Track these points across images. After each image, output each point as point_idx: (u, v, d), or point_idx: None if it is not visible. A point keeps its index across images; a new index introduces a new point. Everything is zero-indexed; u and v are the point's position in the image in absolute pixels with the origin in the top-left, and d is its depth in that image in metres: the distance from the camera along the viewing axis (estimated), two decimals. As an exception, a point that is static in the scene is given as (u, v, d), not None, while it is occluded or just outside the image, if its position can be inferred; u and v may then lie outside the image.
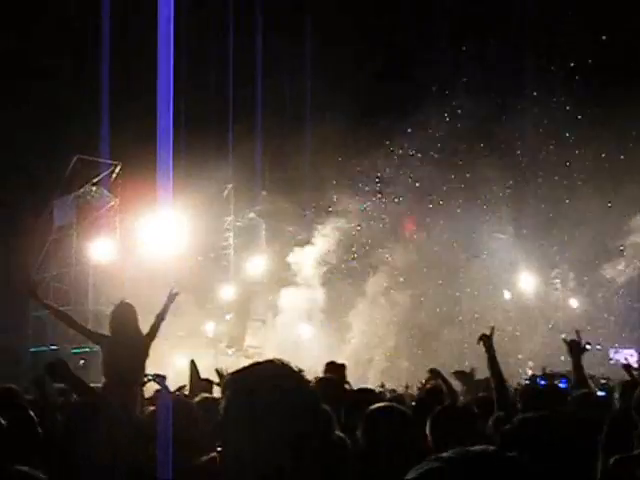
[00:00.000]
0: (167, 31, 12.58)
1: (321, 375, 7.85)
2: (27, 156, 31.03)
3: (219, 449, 2.47)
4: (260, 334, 32.69)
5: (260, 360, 2.59)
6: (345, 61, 32.10)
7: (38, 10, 31.41)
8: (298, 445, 2.36)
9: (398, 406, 5.03)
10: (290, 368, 2.49)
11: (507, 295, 35.57)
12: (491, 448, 1.58)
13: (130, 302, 8.61)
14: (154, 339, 8.46)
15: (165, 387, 8.11)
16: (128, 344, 7.98)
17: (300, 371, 2.51)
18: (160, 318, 8.66)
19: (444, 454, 1.56)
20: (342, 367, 9.07)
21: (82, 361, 30.08)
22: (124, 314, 8.26)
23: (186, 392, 8.54)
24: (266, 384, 2.41)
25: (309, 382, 2.54)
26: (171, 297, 8.95)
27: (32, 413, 5.34)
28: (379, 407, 4.88)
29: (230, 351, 31.09)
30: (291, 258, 34.07)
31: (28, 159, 30.80)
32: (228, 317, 33.16)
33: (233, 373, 2.55)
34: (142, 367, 8.08)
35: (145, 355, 8.22)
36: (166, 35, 12.59)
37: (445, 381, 8.84)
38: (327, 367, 8.81)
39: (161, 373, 8.78)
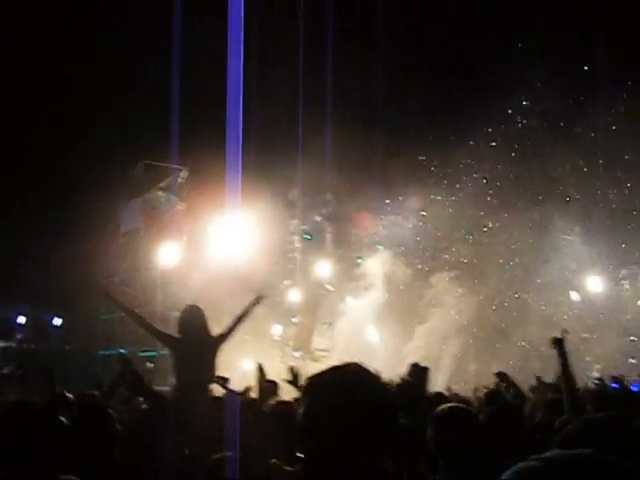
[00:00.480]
0: (237, 35, 12.52)
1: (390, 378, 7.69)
2: (96, 161, 31.39)
3: (300, 453, 2.42)
4: (327, 337, 32.59)
5: (336, 364, 2.56)
6: (414, 60, 31.90)
7: (106, 19, 31.80)
8: (378, 447, 2.36)
9: (467, 408, 4.98)
10: (369, 371, 2.47)
11: (575, 296, 35.02)
12: (587, 451, 1.56)
13: (198, 305, 8.54)
14: (226, 340, 8.36)
15: (229, 389, 8.06)
16: (197, 346, 7.92)
17: (378, 374, 2.49)
18: (239, 320, 8.58)
19: (542, 455, 1.57)
20: (426, 370, 8.98)
21: (150, 364, 30.33)
22: (193, 317, 8.20)
23: (252, 394, 8.45)
24: (347, 387, 2.39)
25: (387, 385, 2.50)
26: (256, 300, 8.87)
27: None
28: (448, 408, 4.87)
29: (297, 354, 31.04)
30: (358, 261, 33.97)
31: (97, 164, 31.15)
32: (295, 320, 33.13)
33: (313, 377, 2.53)
34: (212, 368, 8.02)
35: (214, 357, 8.15)
36: (236, 39, 12.53)
37: (512, 384, 8.75)
38: (411, 369, 8.73)
39: (225, 376, 8.75)
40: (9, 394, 20.56)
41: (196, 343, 7.92)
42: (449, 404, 5.16)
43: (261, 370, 8.58)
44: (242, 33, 12.61)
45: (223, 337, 8.33)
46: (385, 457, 2.42)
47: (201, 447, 5.30)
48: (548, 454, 1.57)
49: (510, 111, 33.48)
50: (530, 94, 33.21)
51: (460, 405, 5.17)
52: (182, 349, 7.98)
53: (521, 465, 1.56)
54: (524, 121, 33.46)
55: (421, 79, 31.77)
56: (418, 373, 8.69)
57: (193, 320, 8.14)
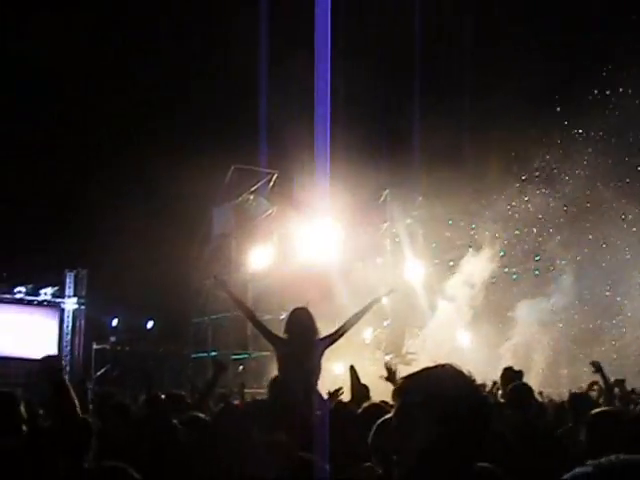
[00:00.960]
0: (324, 37, 12.49)
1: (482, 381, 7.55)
2: (187, 166, 31.74)
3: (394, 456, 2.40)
4: (418, 340, 32.38)
5: (431, 365, 2.52)
6: (505, 59, 31.49)
7: (195, 25, 32.21)
8: (474, 449, 2.33)
9: (620, 410, 4.97)
10: (463, 372, 2.43)
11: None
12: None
13: (307, 308, 8.45)
14: (334, 341, 8.27)
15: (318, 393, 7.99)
16: (304, 347, 7.83)
17: (471, 375, 2.44)
18: (356, 318, 8.50)
19: (599, 460, 1.53)
20: (520, 373, 8.93)
21: (241, 367, 30.54)
22: (301, 318, 8.11)
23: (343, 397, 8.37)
24: (441, 387, 2.34)
25: (481, 387, 2.43)
26: (377, 300, 8.80)
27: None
28: (602, 411, 4.94)
29: (388, 357, 30.89)
30: (450, 263, 33.72)
31: (189, 170, 31.50)
32: (386, 323, 33.01)
33: (406, 377, 2.50)
34: (317, 370, 7.95)
35: (320, 358, 8.07)
36: (323, 40, 12.49)
37: (606, 379, 8.60)
38: (505, 373, 8.69)
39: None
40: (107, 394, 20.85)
41: (303, 344, 7.84)
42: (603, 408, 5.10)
43: (354, 372, 8.49)
44: (329, 37, 12.54)
45: (332, 337, 8.24)
46: (478, 460, 2.37)
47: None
48: (605, 459, 1.53)
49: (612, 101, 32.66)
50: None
51: (612, 408, 5.16)
52: (288, 349, 7.92)
53: (578, 470, 1.54)
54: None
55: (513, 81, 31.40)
56: (511, 376, 8.61)
57: (301, 321, 8.06)
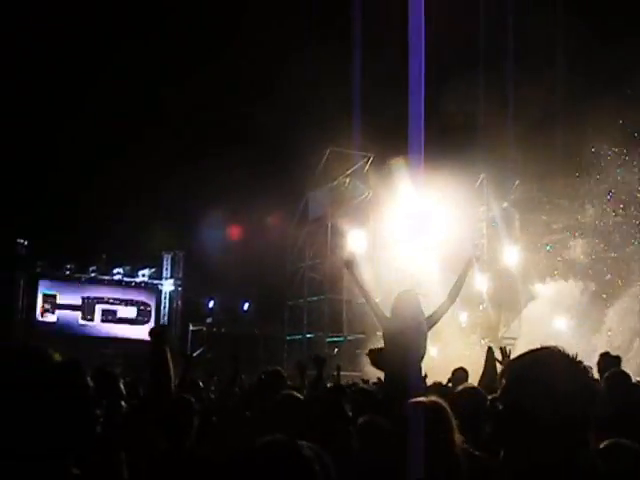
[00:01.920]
0: (419, 19, 12.40)
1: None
2: (283, 149, 31.93)
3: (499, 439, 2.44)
4: (514, 325, 32.05)
5: (535, 347, 2.51)
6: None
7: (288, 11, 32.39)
8: (583, 432, 2.30)
9: None
10: (569, 355, 2.41)
11: None
12: None
13: (414, 292, 8.43)
14: (440, 317, 8.25)
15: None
16: (411, 328, 7.83)
17: (577, 357, 2.41)
18: (458, 287, 8.46)
19: None
20: (618, 359, 8.78)
21: (336, 350, 30.68)
22: (408, 301, 8.11)
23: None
24: (549, 369, 2.33)
25: (587, 371, 2.39)
26: (470, 263, 8.72)
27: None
28: None
29: (484, 342, 30.67)
30: (547, 248, 33.29)
31: (284, 152, 31.68)
32: (482, 307, 32.76)
33: (513, 360, 2.51)
34: (423, 350, 7.94)
35: (425, 338, 8.05)
36: (418, 23, 12.40)
37: None
38: (601, 359, 8.55)
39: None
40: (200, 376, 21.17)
41: (410, 326, 7.84)
42: None
43: (490, 354, 8.48)
44: (423, 15, 12.48)
45: (435, 315, 8.23)
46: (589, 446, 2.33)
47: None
48: None
49: None
50: None
51: None
52: (394, 330, 7.93)
53: None
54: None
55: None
56: (609, 363, 8.46)
57: (408, 304, 8.06)
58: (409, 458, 3.37)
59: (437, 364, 9.48)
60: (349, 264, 8.97)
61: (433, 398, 3.76)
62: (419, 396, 4.96)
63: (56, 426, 2.37)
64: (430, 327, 8.01)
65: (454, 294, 8.29)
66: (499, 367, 7.95)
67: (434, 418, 3.48)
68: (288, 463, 2.20)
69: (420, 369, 7.80)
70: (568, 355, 2.39)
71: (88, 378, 2.56)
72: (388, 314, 7.99)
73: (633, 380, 7.95)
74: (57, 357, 2.48)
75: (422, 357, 7.81)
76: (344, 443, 4.68)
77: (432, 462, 3.38)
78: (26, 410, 2.33)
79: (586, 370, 2.41)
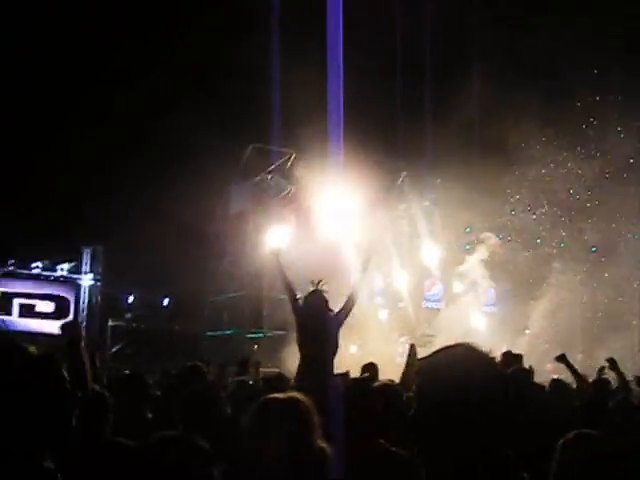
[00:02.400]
0: (337, 17, 12.49)
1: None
2: (205, 144, 31.75)
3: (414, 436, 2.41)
4: (434, 323, 32.41)
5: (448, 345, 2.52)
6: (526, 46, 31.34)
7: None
8: (496, 428, 2.31)
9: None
10: (480, 350, 2.43)
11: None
12: None
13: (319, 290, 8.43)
14: (350, 310, 8.25)
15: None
16: (321, 324, 7.86)
17: (489, 353, 2.44)
18: (362, 277, 8.47)
19: None
20: (519, 357, 8.97)
21: (256, 346, 30.66)
22: (314, 301, 8.11)
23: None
24: (459, 365, 2.34)
25: (499, 366, 2.42)
26: (369, 256, 8.70)
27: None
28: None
29: (403, 339, 30.94)
30: (466, 247, 33.73)
31: (206, 147, 31.51)
32: (401, 305, 33.04)
33: (425, 358, 2.51)
34: (334, 347, 7.95)
35: (336, 334, 8.06)
36: (336, 22, 12.49)
37: (621, 376, 8.68)
38: (504, 357, 8.74)
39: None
40: (123, 371, 21.01)
41: (317, 325, 7.86)
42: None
43: (413, 350, 8.51)
44: (341, 15, 12.55)
45: (345, 309, 8.24)
46: (504, 440, 2.34)
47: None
48: None
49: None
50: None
51: None
52: (307, 328, 7.94)
53: None
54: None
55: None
56: (511, 360, 8.68)
57: (314, 303, 8.08)
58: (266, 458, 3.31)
59: (357, 361, 9.48)
60: (276, 252, 9.02)
61: (292, 394, 3.69)
62: (334, 393, 4.97)
63: (34, 420, 2.34)
64: (342, 321, 8.04)
65: (359, 284, 8.34)
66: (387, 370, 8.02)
67: (288, 415, 3.43)
68: (182, 457, 2.18)
69: (332, 365, 7.84)
70: (481, 350, 2.40)
71: (64, 371, 2.53)
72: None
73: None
74: (33, 351, 2.45)
75: (334, 353, 7.84)
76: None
77: (285, 462, 3.32)
78: (3, 405, 2.29)
79: (497, 364, 2.43)
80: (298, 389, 6.94)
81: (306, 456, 3.38)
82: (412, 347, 8.53)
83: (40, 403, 2.37)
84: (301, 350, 7.97)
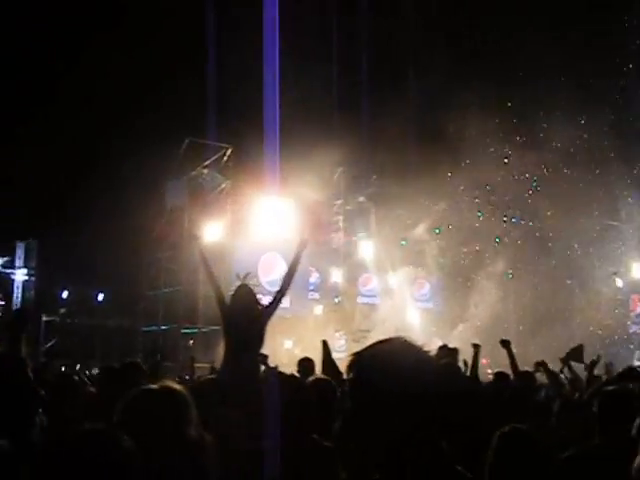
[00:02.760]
0: (273, 13, 12.52)
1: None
2: (140, 138, 31.52)
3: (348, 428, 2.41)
4: (369, 318, 32.55)
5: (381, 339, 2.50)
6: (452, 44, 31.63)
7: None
8: (428, 419, 2.33)
9: None
10: (414, 344, 2.43)
11: (619, 283, 34.77)
12: None
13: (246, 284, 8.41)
14: (279, 303, 8.25)
15: (269, 367, 8.06)
16: (248, 319, 7.84)
17: (423, 347, 2.45)
18: (291, 272, 8.45)
19: None
20: (455, 351, 9.08)
21: (191, 341, 30.55)
22: (243, 295, 8.09)
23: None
24: (392, 359, 2.35)
25: (433, 359, 2.45)
26: (302, 244, 8.67)
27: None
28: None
29: (338, 334, 31.06)
30: (402, 242, 33.92)
31: (144, 142, 31.29)
32: (337, 300, 33.13)
33: (358, 352, 2.47)
34: (261, 341, 7.96)
35: (264, 329, 8.06)
36: (272, 17, 12.52)
37: (548, 371, 8.84)
38: (439, 350, 8.82)
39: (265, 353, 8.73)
40: (57, 366, 20.85)
41: (247, 316, 7.85)
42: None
43: (326, 347, 8.53)
44: (277, 10, 12.59)
45: (273, 304, 8.24)
46: (436, 432, 2.37)
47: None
48: None
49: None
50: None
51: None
52: (234, 320, 7.92)
53: None
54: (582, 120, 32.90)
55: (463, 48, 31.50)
56: (445, 354, 8.79)
57: (242, 298, 8.06)
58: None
59: (293, 356, 9.52)
60: (199, 241, 8.96)
61: (167, 383, 3.64)
62: (268, 388, 4.99)
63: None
64: (270, 314, 8.05)
65: (289, 276, 8.32)
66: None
67: (159, 405, 3.41)
68: (104, 451, 2.20)
69: (257, 359, 7.87)
70: (415, 344, 2.42)
71: (29, 370, 2.53)
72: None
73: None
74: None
75: (260, 347, 7.85)
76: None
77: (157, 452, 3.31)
78: None
79: (431, 358, 2.47)
80: (220, 383, 6.99)
81: (179, 446, 3.41)
82: (324, 343, 8.56)
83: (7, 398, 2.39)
84: (227, 344, 7.96)
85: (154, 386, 3.55)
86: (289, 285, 8.31)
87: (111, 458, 2.28)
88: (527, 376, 8.37)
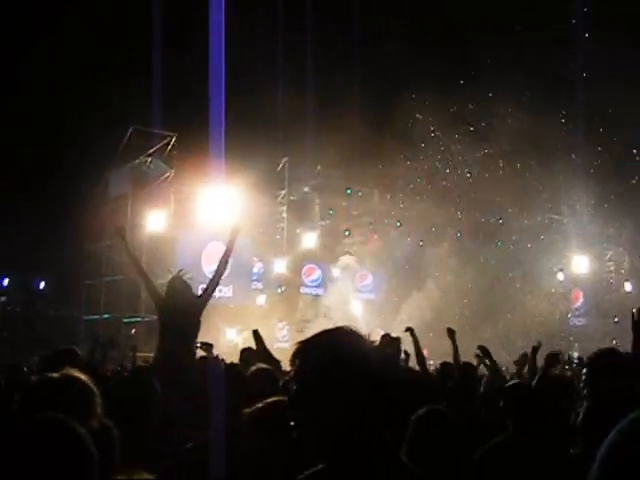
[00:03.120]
0: (219, 3, 12.51)
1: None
2: (83, 126, 31.24)
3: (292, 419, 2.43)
4: (313, 308, 32.63)
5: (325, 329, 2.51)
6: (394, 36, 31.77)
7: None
8: (371, 408, 2.35)
9: None
10: (358, 334, 2.45)
11: (560, 277, 35.24)
12: None
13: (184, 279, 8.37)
14: (211, 293, 8.24)
15: (212, 355, 8.07)
16: (184, 307, 7.83)
17: (367, 336, 2.49)
18: (224, 259, 8.43)
19: None
20: (397, 340, 9.14)
21: (133, 330, 30.39)
22: (177, 285, 8.07)
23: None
24: (335, 348, 2.37)
25: (376, 348, 2.48)
26: (235, 232, 8.64)
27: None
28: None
29: (281, 324, 31.12)
30: (346, 233, 34.05)
31: (87, 129, 31.02)
32: (280, 290, 33.16)
33: (302, 341, 2.48)
34: (197, 327, 7.95)
35: (199, 315, 8.04)
36: (218, 6, 12.50)
37: (491, 360, 8.95)
38: (382, 339, 8.88)
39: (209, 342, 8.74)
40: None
41: (182, 306, 7.83)
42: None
43: (258, 337, 8.54)
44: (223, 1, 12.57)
45: (208, 291, 8.22)
46: (380, 422, 2.39)
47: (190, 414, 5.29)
48: None
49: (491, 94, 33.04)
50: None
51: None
52: (169, 309, 7.90)
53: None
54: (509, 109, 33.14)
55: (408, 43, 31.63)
56: (388, 343, 8.87)
57: (177, 287, 8.03)
58: None
59: (235, 345, 9.53)
60: (121, 231, 8.92)
61: (69, 372, 3.48)
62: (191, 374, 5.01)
63: None
64: (205, 302, 8.05)
65: (222, 264, 8.32)
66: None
67: (58, 393, 3.36)
68: (56, 439, 2.20)
69: (193, 348, 7.88)
70: (358, 333, 2.45)
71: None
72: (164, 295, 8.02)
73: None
74: None
75: (195, 335, 7.86)
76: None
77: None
78: None
79: (373, 346, 2.50)
80: (153, 371, 6.97)
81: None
82: (255, 332, 8.57)
83: None
84: (161, 332, 7.95)
85: (55, 375, 3.43)
86: (222, 272, 8.32)
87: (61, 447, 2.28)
88: (469, 367, 8.47)
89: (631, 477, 1.25)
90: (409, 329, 9.41)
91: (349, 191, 34.31)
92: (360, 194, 34.83)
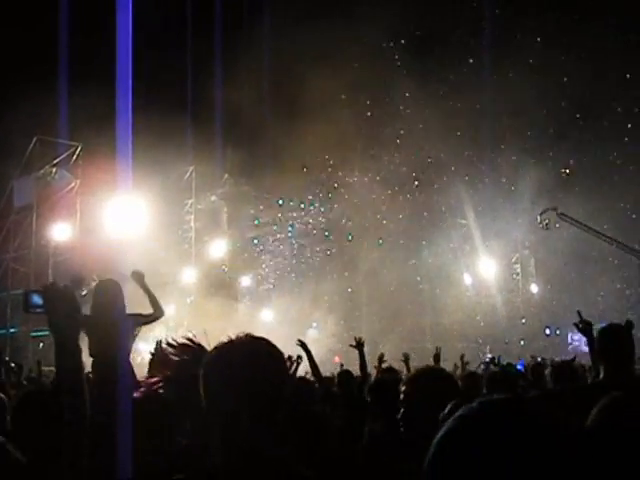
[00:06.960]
0: (126, 13, 12.49)
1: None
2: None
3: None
4: (222, 317, 32.56)
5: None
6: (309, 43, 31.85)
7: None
8: (275, 414, 2.39)
9: None
10: (263, 343, 2.50)
11: (468, 280, 35.73)
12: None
13: (115, 279, 8.22)
14: (154, 321, 8.23)
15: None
16: (111, 322, 7.65)
17: (272, 344, 2.52)
18: (154, 301, 8.39)
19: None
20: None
21: (41, 344, 29.92)
22: (107, 291, 7.87)
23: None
24: (241, 356, 2.41)
25: (280, 355, 2.53)
26: (137, 276, 8.57)
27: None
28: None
29: (191, 334, 30.93)
30: (254, 241, 34.09)
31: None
32: (189, 300, 33.01)
33: (212, 349, 2.56)
34: (129, 346, 7.85)
35: (131, 334, 7.94)
36: (125, 17, 12.49)
37: (363, 358, 9.09)
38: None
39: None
40: None
41: (110, 320, 7.61)
42: None
43: (160, 347, 8.48)
44: (131, 10, 12.57)
45: (146, 319, 8.17)
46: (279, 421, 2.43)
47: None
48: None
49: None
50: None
51: None
52: (94, 328, 7.69)
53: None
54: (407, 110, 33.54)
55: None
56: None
57: (108, 296, 7.81)
58: None
59: (145, 357, 9.42)
60: (81, 282, 8.70)
61: None
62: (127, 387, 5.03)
63: None
64: (139, 326, 8.01)
65: (157, 309, 8.34)
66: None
67: None
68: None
69: (128, 360, 7.77)
70: (262, 341, 2.51)
71: None
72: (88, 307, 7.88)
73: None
74: None
75: (129, 353, 7.76)
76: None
77: None
78: None
79: (283, 357, 2.57)
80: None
81: None
82: (158, 343, 8.52)
83: None
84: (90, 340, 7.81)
85: None
86: (161, 314, 8.37)
87: None
88: (392, 371, 8.67)
89: (458, 468, 1.26)
90: (360, 345, 9.14)
91: (256, 201, 34.39)
92: (267, 202, 34.92)
